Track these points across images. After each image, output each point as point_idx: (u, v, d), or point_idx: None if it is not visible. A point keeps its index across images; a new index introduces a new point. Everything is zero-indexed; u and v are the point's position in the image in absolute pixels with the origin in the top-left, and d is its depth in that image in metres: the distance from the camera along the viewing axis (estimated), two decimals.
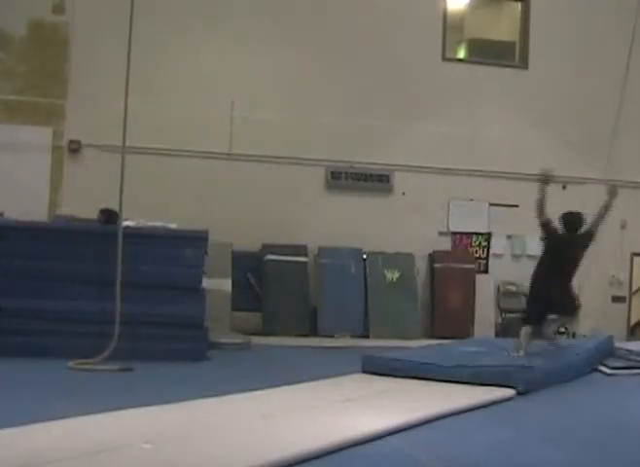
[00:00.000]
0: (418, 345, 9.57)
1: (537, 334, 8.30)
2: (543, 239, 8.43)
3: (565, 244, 8.30)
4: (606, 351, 9.09)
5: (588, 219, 8.47)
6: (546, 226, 8.30)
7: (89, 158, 11.91)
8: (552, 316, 8.37)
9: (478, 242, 13.37)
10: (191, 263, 8.61)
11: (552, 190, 13.29)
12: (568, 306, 8.41)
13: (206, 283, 8.83)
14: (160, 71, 11.94)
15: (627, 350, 9.20)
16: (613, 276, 13.67)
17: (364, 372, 7.48)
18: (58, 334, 7.91)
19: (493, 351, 8.36)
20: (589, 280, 13.17)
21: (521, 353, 7.94)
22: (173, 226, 9.07)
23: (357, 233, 12.50)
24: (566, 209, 13.41)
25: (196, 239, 8.75)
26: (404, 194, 13.10)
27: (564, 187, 13.65)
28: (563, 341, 10.24)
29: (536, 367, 7.14)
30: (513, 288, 13.37)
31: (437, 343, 9.92)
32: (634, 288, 13.73)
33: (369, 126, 12.75)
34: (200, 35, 12.35)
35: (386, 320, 12.30)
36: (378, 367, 7.45)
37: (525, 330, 8.22)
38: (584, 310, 12.97)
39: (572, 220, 8.39)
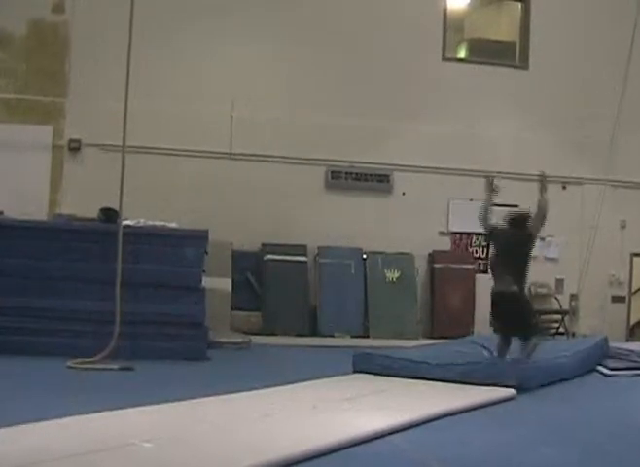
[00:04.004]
0: (417, 345, 9.57)
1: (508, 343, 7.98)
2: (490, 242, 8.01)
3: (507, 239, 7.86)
4: (600, 353, 9.07)
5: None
6: (491, 232, 8.05)
7: (90, 157, 11.92)
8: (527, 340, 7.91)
9: (478, 242, 13.37)
10: (191, 262, 8.61)
11: (551, 190, 13.43)
12: (525, 332, 7.71)
13: (206, 283, 8.83)
14: (160, 71, 11.93)
15: (628, 351, 9.19)
16: (613, 276, 13.67)
17: (355, 370, 7.48)
18: (58, 333, 7.92)
19: (487, 351, 8.36)
20: (589, 280, 13.21)
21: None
22: (173, 225, 9.07)
23: (357, 232, 12.50)
24: (566, 209, 13.54)
25: (196, 239, 8.75)
26: (404, 194, 13.11)
27: (564, 187, 13.67)
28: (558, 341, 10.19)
29: (527, 364, 7.13)
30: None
31: (433, 343, 9.95)
32: (634, 288, 13.72)
33: (369, 126, 12.75)
34: (201, 35, 12.35)
35: (386, 320, 12.30)
36: (369, 364, 7.46)
37: (500, 341, 7.83)
38: (584, 310, 13.10)
39: (514, 217, 7.99)
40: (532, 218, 7.85)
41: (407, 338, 11.56)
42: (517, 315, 7.61)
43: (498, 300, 7.76)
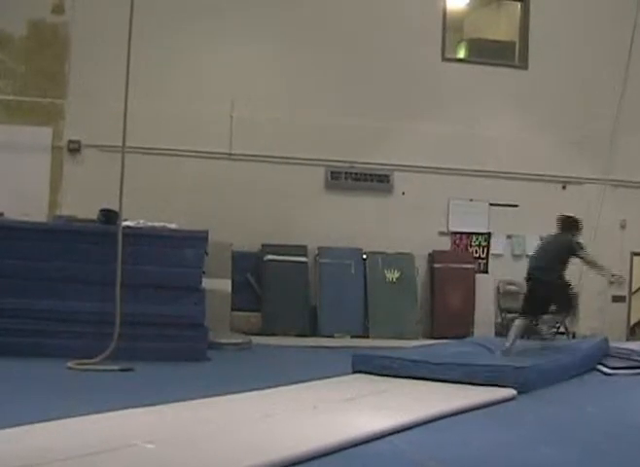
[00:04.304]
0: (417, 345, 9.57)
1: (531, 329, 8.55)
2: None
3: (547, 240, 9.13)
4: (600, 353, 9.07)
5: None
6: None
7: (89, 158, 11.92)
8: (547, 315, 8.55)
9: (477, 242, 13.37)
10: (191, 263, 8.61)
11: (551, 190, 13.48)
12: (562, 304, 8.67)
13: (206, 283, 8.83)
14: (160, 71, 11.92)
15: (629, 350, 9.19)
16: (613, 276, 13.65)
17: (354, 371, 7.48)
18: (58, 334, 7.91)
19: (488, 351, 8.36)
20: (589, 280, 13.20)
21: (508, 345, 8.14)
22: (173, 226, 9.06)
23: (357, 233, 12.50)
24: (566, 209, 13.53)
25: (196, 239, 8.75)
26: (404, 194, 13.10)
27: (564, 187, 13.69)
28: (558, 342, 10.31)
29: (528, 367, 7.12)
30: (513, 288, 13.36)
31: (432, 343, 9.94)
32: (634, 288, 13.73)
33: (369, 126, 12.75)
34: (200, 35, 12.35)
35: (386, 320, 12.30)
36: (368, 365, 7.45)
37: (519, 322, 8.51)
38: (584, 310, 13.09)
39: (563, 220, 9.11)
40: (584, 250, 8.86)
41: (407, 338, 11.56)
42: (544, 294, 8.62)
43: (526, 280, 9.04)
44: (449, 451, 4.62)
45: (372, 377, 7.24)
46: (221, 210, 11.76)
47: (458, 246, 13.36)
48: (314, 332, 12.02)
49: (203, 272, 8.79)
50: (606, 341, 9.52)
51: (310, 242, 12.42)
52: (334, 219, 12.57)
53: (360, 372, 7.43)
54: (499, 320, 13.11)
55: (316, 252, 12.47)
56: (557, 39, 13.51)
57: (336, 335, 11.87)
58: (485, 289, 13.07)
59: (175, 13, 12.20)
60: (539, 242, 9.57)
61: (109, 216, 8.56)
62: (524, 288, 13.22)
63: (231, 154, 12.35)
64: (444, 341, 10.11)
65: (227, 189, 12.19)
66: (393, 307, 12.34)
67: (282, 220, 12.29)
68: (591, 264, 8.82)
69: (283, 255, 12.21)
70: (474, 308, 12.83)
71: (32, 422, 4.55)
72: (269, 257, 12.20)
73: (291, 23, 12.69)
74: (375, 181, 13.01)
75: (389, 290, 12.50)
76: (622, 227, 13.70)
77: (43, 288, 8.12)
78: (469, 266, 13.11)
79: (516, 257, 13.47)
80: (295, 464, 4.02)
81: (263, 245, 12.27)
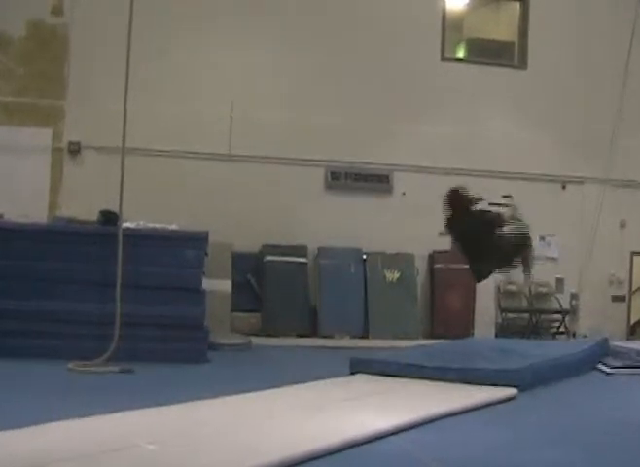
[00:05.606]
0: (415, 346, 9.55)
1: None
2: None
3: None
4: (601, 353, 9.06)
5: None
6: None
7: (89, 159, 11.92)
8: None
9: None
10: (191, 263, 8.60)
11: (551, 190, 13.48)
12: None
13: (206, 284, 8.82)
14: (159, 71, 11.92)
15: (629, 349, 9.19)
16: (613, 276, 13.67)
17: (352, 374, 7.45)
18: (58, 335, 7.89)
19: (485, 352, 8.34)
20: (589, 280, 13.22)
21: None
22: (173, 226, 9.06)
23: (357, 233, 12.49)
24: (566, 209, 13.58)
25: (196, 240, 8.74)
26: (404, 194, 13.10)
27: (564, 187, 13.68)
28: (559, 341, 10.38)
29: (527, 368, 7.09)
30: (513, 288, 13.37)
31: (430, 344, 9.93)
32: (634, 287, 13.72)
33: (369, 126, 12.75)
34: (200, 35, 12.36)
35: (386, 320, 12.29)
36: (365, 369, 7.43)
37: None
38: (584, 310, 13.11)
39: None
40: None
41: (407, 338, 11.55)
42: None
43: None
44: (451, 451, 4.62)
45: (372, 376, 7.24)
46: (221, 211, 11.76)
47: None
48: (314, 332, 12.01)
49: (203, 273, 8.78)
50: (606, 340, 9.52)
51: (310, 242, 12.41)
52: (334, 219, 12.55)
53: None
54: (499, 320, 13.10)
55: (316, 252, 12.47)
56: (557, 39, 13.51)
57: (336, 335, 11.86)
58: (486, 289, 13.03)
59: (174, 13, 12.20)
60: None
61: (109, 217, 8.55)
62: (524, 288, 13.33)
63: (230, 154, 12.35)
64: (444, 341, 10.11)
65: (227, 189, 12.18)
66: (393, 308, 12.33)
67: (282, 220, 12.28)
68: None
69: (283, 255, 12.20)
70: (474, 308, 12.81)
71: (32, 424, 4.54)
72: (269, 257, 12.20)
73: (290, 24, 12.69)
74: (375, 181, 13.00)
75: (389, 290, 12.49)
76: (622, 227, 13.70)
77: (43, 289, 8.10)
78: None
79: None
80: (295, 464, 4.02)
81: (263, 246, 12.26)
